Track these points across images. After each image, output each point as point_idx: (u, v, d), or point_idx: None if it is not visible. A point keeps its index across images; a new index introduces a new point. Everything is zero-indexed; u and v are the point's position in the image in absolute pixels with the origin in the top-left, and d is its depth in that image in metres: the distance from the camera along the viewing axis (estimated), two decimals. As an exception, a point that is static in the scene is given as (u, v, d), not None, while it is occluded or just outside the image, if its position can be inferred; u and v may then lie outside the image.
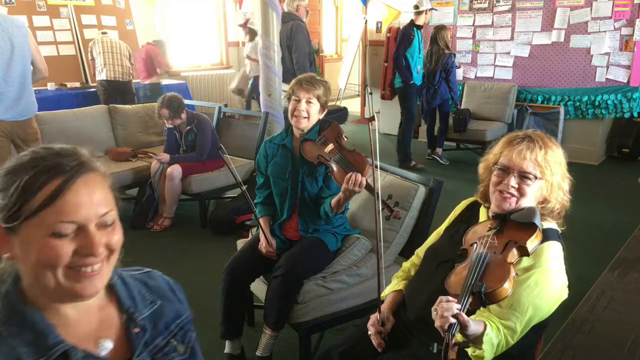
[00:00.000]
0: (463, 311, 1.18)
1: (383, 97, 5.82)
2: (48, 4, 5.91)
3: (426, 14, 5.28)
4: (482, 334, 1.23)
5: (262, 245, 2.26)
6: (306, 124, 2.25)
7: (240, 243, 2.57)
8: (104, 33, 5.87)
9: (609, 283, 1.60)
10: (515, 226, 1.37)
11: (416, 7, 5.23)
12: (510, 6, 5.88)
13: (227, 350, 2.34)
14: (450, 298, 1.21)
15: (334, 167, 2.13)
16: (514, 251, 1.32)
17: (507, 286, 1.25)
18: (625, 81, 5.35)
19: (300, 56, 4.75)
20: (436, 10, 6.10)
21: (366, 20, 8.01)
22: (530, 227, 1.34)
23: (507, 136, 1.48)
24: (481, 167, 1.55)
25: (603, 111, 5.49)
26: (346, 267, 2.26)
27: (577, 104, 5.59)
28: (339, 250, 2.30)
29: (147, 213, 4.01)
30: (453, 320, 1.14)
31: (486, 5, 6.04)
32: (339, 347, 1.66)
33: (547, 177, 1.40)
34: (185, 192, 4.02)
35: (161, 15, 7.24)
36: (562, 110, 5.65)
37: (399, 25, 6.15)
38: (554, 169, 1.40)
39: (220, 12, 8.07)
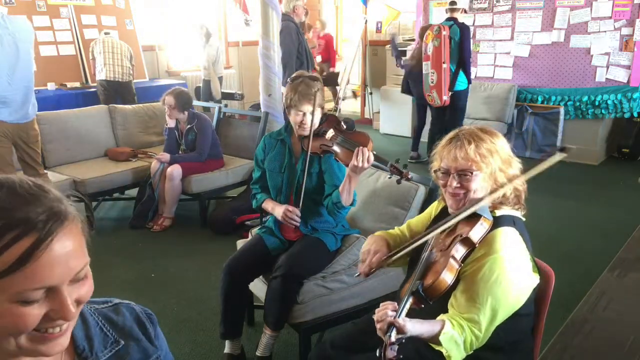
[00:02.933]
0: (401, 313, 1.23)
1: (444, 105, 5.12)
2: (48, 4, 5.91)
3: (461, 12, 5.18)
4: (438, 333, 1.27)
5: (283, 214, 2.23)
6: (309, 131, 2.26)
7: (240, 243, 2.57)
8: (106, 33, 5.88)
9: (609, 283, 1.60)
10: (463, 221, 1.40)
11: (453, 2, 5.07)
12: (510, 6, 5.88)
13: (227, 350, 2.34)
14: (389, 304, 1.27)
15: (338, 149, 2.14)
16: (458, 245, 1.34)
17: (446, 277, 1.29)
18: (625, 81, 5.34)
19: (284, 57, 4.72)
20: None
21: (366, 20, 8.01)
22: (473, 217, 1.37)
23: (442, 141, 1.52)
24: (433, 176, 1.58)
25: (603, 111, 5.49)
26: (346, 267, 2.26)
27: (577, 104, 5.59)
28: (339, 250, 2.31)
29: (147, 213, 4.01)
30: (388, 323, 1.20)
31: (486, 5, 6.04)
32: (334, 341, 1.68)
33: (483, 169, 1.42)
34: (185, 192, 4.02)
35: (161, 15, 7.24)
36: (562, 110, 5.65)
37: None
38: (488, 159, 1.42)
39: (221, 12, 8.07)
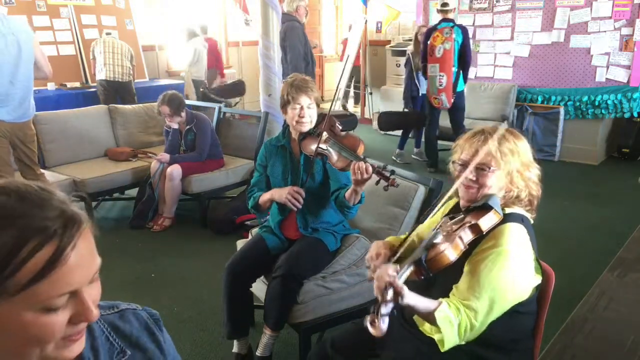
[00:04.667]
0: (400, 277, 1.26)
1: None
2: (48, 4, 5.91)
3: (453, 11, 5.21)
4: (434, 310, 1.29)
5: (287, 193, 2.19)
6: (309, 127, 2.27)
7: (240, 243, 2.57)
8: (107, 34, 5.88)
9: (609, 283, 1.60)
10: (473, 212, 1.43)
11: (445, 4, 5.04)
12: (510, 6, 5.88)
13: (235, 349, 2.35)
14: (390, 266, 1.29)
15: (331, 154, 2.14)
16: (466, 229, 1.37)
17: (449, 253, 1.31)
18: (625, 81, 5.34)
19: (293, 57, 4.74)
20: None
21: (366, 20, 8.01)
22: (484, 208, 1.40)
23: (466, 134, 1.54)
24: (451, 168, 1.60)
25: (603, 111, 5.49)
26: (346, 266, 2.26)
27: (577, 104, 5.59)
28: (339, 250, 2.31)
29: (147, 213, 4.01)
30: (386, 282, 1.24)
31: (486, 5, 6.04)
32: (334, 340, 1.68)
33: (502, 167, 1.44)
34: (185, 192, 4.02)
35: (161, 15, 7.24)
36: (562, 110, 5.65)
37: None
38: (508, 158, 1.44)
39: (221, 12, 8.08)
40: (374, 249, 1.64)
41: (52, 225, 0.64)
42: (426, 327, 1.35)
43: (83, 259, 0.68)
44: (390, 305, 1.20)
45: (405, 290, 1.25)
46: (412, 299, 1.28)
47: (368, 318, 1.17)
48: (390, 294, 1.21)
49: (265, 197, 2.30)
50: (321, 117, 2.30)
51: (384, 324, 1.17)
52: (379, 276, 1.27)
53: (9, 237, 0.62)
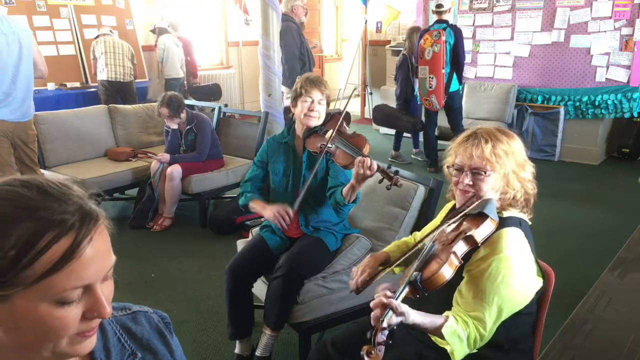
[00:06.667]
0: (397, 298, 1.24)
1: (441, 108, 5.22)
2: (48, 4, 5.92)
3: (449, 12, 5.20)
4: (441, 326, 1.28)
5: (276, 211, 2.19)
6: (317, 123, 2.29)
7: (240, 243, 2.57)
8: (109, 32, 5.87)
9: (609, 283, 1.60)
10: (470, 219, 1.40)
11: (440, 5, 5.06)
12: (510, 6, 5.88)
13: (237, 350, 2.34)
14: (385, 291, 1.27)
15: (336, 151, 2.15)
16: (461, 242, 1.34)
17: (445, 271, 1.29)
18: (625, 81, 5.34)
19: (288, 59, 4.72)
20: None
21: (366, 20, 8.01)
22: (480, 217, 1.37)
23: (459, 137, 1.52)
24: (445, 171, 1.59)
25: (603, 111, 5.49)
26: (346, 266, 2.26)
27: (577, 104, 5.59)
28: (339, 250, 2.31)
29: (147, 213, 4.01)
30: (384, 305, 1.23)
31: (486, 5, 6.04)
32: (335, 340, 1.68)
33: (497, 170, 1.43)
34: (185, 192, 4.02)
35: (161, 15, 7.23)
36: (562, 110, 5.65)
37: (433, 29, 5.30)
38: (503, 160, 1.43)
39: (221, 12, 8.07)
40: (363, 264, 1.63)
41: (70, 219, 0.66)
42: (438, 339, 1.35)
43: (98, 253, 0.69)
44: (387, 332, 1.19)
45: (405, 308, 1.24)
46: (416, 317, 1.27)
47: (365, 349, 1.15)
48: (387, 319, 1.20)
49: (256, 207, 2.31)
50: (328, 116, 2.33)
51: (380, 352, 1.16)
52: (376, 302, 1.26)
53: (27, 229, 0.63)
